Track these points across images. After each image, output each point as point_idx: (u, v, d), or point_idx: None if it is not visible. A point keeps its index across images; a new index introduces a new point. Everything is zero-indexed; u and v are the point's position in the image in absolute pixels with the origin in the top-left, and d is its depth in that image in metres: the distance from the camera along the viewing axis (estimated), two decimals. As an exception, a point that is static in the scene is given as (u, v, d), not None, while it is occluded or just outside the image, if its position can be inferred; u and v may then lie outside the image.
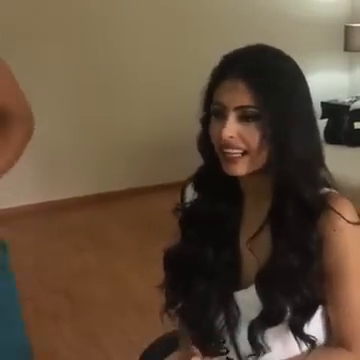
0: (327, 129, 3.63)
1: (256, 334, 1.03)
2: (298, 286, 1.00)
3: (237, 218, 1.12)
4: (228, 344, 1.11)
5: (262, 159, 1.01)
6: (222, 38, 3.95)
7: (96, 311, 2.79)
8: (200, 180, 1.13)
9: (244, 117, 0.99)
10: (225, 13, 4.46)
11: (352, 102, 4.40)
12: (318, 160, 1.05)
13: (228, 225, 1.11)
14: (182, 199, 1.17)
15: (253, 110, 0.98)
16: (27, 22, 3.82)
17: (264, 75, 0.99)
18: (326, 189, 1.05)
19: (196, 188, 1.14)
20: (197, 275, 1.10)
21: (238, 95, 0.99)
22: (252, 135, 0.99)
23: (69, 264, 3.25)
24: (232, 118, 1.00)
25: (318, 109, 4.65)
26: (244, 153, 1.01)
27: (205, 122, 1.07)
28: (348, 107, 4.15)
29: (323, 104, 4.72)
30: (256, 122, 0.99)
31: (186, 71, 4.24)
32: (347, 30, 4.60)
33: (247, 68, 1.00)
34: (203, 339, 1.12)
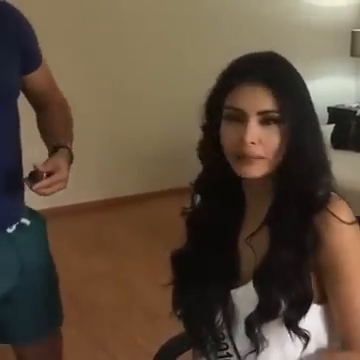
0: (334, 134, 3.62)
1: (254, 328, 1.05)
2: (293, 281, 1.01)
3: (238, 221, 1.14)
4: (227, 340, 1.13)
5: (277, 163, 1.02)
6: (229, 45, 3.96)
7: (103, 315, 2.80)
8: (202, 186, 1.14)
9: (266, 121, 0.99)
10: (231, 20, 4.47)
11: (359, 107, 4.40)
12: (324, 163, 1.06)
13: (229, 228, 1.13)
14: (193, 202, 1.18)
15: (275, 115, 0.98)
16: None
17: (283, 80, 1.01)
18: (327, 191, 1.06)
19: (199, 193, 1.15)
20: (197, 276, 1.12)
21: (259, 100, 0.98)
22: (272, 140, 1.00)
23: (77, 268, 3.26)
24: (253, 123, 0.99)
25: (325, 114, 4.66)
26: (261, 157, 1.01)
27: (209, 128, 1.07)
28: (355, 112, 4.15)
29: (330, 109, 4.72)
30: (277, 127, 0.99)
31: (193, 80, 4.26)
32: (354, 35, 4.61)
33: (266, 73, 0.99)
34: (202, 338, 1.14)
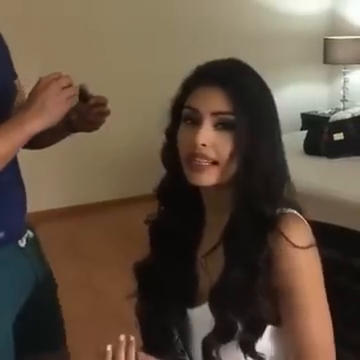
0: (307, 140, 3.65)
1: (211, 351, 1.01)
2: (247, 303, 0.98)
3: (197, 233, 1.10)
4: (186, 357, 1.11)
5: (231, 171, 0.99)
6: (200, 52, 3.95)
7: (75, 325, 2.74)
8: (163, 192, 1.11)
9: (220, 124, 0.97)
10: (204, 27, 4.49)
11: (331, 114, 4.44)
12: (282, 176, 1.03)
13: (188, 239, 1.10)
14: (159, 209, 1.16)
15: (230, 117, 0.96)
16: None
17: (240, 85, 0.99)
18: (284, 209, 1.01)
19: (159, 200, 1.12)
20: (156, 289, 1.10)
21: (215, 101, 0.97)
22: (225, 144, 0.97)
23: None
24: (207, 124, 0.97)
25: (298, 120, 4.70)
26: (213, 163, 0.98)
27: (171, 132, 1.06)
28: (328, 118, 4.18)
29: (303, 116, 4.76)
30: (231, 131, 0.97)
31: (164, 85, 4.24)
32: (326, 43, 4.66)
33: (225, 76, 0.99)
34: (160, 352, 1.11)
